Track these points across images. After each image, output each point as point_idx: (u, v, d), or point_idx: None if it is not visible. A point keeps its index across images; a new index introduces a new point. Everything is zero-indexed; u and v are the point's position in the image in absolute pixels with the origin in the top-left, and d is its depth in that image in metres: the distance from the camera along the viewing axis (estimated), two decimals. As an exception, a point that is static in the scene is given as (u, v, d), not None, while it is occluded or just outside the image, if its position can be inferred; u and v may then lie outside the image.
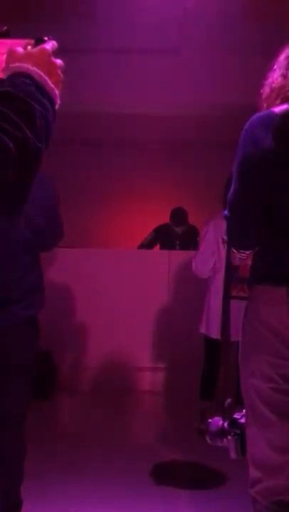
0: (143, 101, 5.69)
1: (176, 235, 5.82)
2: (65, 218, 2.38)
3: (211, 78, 5.33)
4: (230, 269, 2.94)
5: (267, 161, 1.64)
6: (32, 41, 1.02)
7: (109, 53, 5.16)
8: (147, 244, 5.92)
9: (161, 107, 5.81)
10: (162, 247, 5.94)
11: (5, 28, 1.02)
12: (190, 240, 5.73)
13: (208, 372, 4.01)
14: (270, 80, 1.74)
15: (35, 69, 0.97)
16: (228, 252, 2.98)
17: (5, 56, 1.00)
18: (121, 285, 5.19)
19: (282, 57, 1.75)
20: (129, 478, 3.20)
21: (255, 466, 1.69)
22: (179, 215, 5.79)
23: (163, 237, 5.93)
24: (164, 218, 5.90)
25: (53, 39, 1.04)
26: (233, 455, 1.79)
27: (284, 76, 1.71)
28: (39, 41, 1.02)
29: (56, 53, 1.04)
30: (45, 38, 1.02)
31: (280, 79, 1.72)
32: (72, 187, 6.46)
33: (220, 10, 4.37)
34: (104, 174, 7.73)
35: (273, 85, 1.73)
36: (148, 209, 7.43)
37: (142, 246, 5.92)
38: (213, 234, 3.88)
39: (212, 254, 3.90)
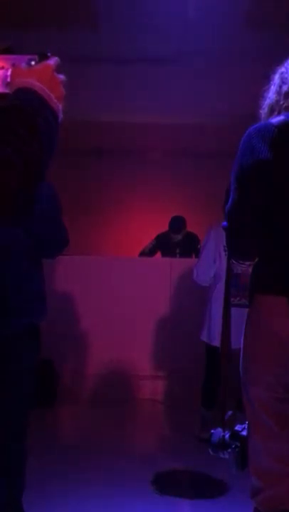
0: (143, 110, 5.72)
1: (176, 242, 5.84)
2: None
3: (212, 88, 5.36)
4: (231, 277, 2.94)
5: (264, 171, 1.65)
6: (35, 57, 1.04)
7: (111, 63, 5.19)
8: (148, 252, 5.94)
9: (162, 116, 5.83)
10: (163, 255, 5.96)
11: (9, 44, 1.04)
12: (190, 246, 5.75)
13: (209, 379, 4.01)
14: (267, 100, 1.83)
15: (39, 84, 0.99)
16: (229, 260, 2.99)
17: (9, 71, 1.02)
18: (122, 293, 5.19)
19: (276, 77, 1.84)
20: (130, 486, 3.19)
21: (257, 475, 1.69)
22: (177, 222, 5.82)
23: (163, 245, 5.95)
24: (165, 226, 5.93)
25: (55, 47, 1.05)
26: (232, 469, 1.79)
27: (278, 92, 1.80)
28: (42, 57, 1.03)
29: (58, 65, 1.05)
30: (48, 54, 1.04)
31: (274, 95, 1.81)
32: (72, 195, 6.48)
33: (221, 20, 4.39)
34: (103, 183, 7.75)
35: (269, 102, 1.82)
36: (149, 217, 7.45)
37: (143, 253, 5.94)
38: (214, 242, 3.90)
39: (213, 262, 3.91)
